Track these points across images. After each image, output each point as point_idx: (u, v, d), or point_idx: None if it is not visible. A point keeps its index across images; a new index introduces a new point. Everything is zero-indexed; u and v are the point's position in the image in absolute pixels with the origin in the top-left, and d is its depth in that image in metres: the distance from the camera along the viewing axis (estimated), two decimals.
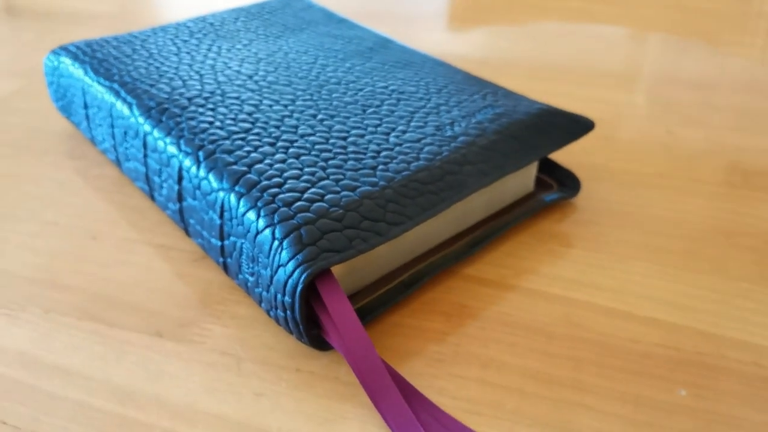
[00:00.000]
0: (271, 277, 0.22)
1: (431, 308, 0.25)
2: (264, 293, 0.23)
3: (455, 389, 0.22)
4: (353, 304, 0.24)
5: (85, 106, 0.32)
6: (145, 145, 0.28)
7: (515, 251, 0.28)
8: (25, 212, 0.30)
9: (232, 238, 0.24)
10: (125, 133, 0.29)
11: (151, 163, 0.28)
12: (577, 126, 0.29)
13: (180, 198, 0.26)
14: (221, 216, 0.24)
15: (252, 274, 0.23)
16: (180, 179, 0.26)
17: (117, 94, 0.29)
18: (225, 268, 0.25)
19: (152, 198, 0.29)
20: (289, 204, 0.23)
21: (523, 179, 0.29)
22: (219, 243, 0.25)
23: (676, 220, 0.29)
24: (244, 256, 0.24)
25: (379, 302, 0.25)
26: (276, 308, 0.22)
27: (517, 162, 0.27)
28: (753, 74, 0.42)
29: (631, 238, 0.28)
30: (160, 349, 0.23)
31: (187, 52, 0.33)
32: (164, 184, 0.27)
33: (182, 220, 0.27)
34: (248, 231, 0.23)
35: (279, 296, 0.22)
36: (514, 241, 0.28)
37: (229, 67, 0.31)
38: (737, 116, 0.37)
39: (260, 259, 0.22)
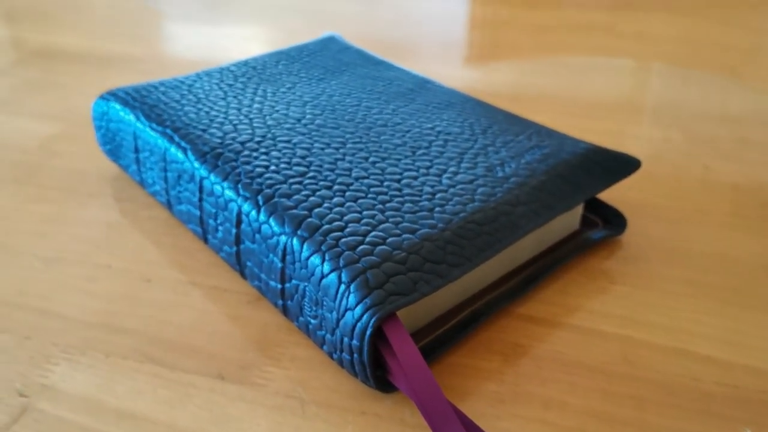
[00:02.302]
0: (338, 321, 0.22)
1: (487, 347, 0.25)
2: (328, 336, 0.23)
3: (519, 430, 0.22)
4: None
5: (136, 150, 0.32)
6: (200, 189, 0.28)
7: (565, 289, 0.28)
8: (77, 255, 0.30)
9: (293, 282, 0.24)
10: (179, 177, 0.29)
11: (206, 206, 0.28)
12: (623, 165, 0.30)
13: (237, 241, 0.27)
14: (283, 260, 0.24)
15: (315, 317, 0.24)
16: (239, 223, 0.26)
17: (171, 139, 0.30)
18: (284, 310, 0.26)
19: (205, 240, 0.29)
20: (353, 247, 0.23)
21: (570, 217, 0.30)
22: (279, 286, 0.25)
23: (721, 256, 0.30)
24: (306, 299, 0.24)
25: (437, 342, 0.25)
26: (341, 351, 0.23)
27: (568, 202, 0.27)
28: None
29: (678, 274, 0.29)
30: (223, 392, 0.23)
31: (234, 96, 0.33)
32: (220, 228, 0.28)
33: (238, 262, 0.27)
34: (312, 275, 0.23)
35: (346, 339, 0.22)
36: (563, 278, 0.29)
37: (277, 111, 0.32)
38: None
39: (325, 303, 0.23)
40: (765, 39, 0.55)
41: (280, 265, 0.25)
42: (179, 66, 0.50)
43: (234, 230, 0.27)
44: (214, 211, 0.28)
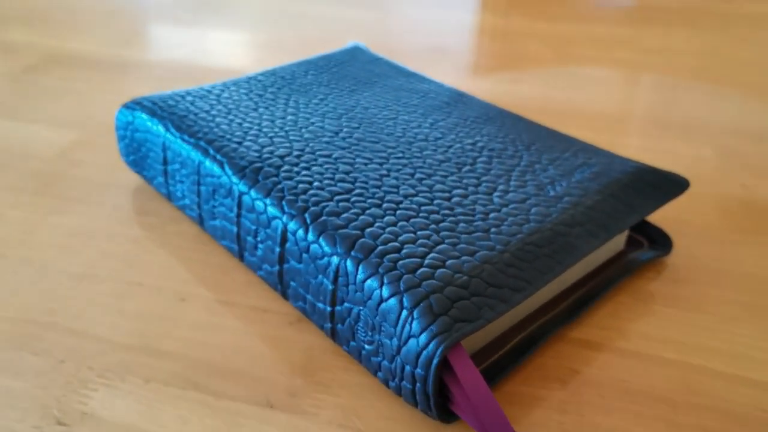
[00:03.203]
0: (399, 348, 0.21)
1: (544, 374, 0.24)
2: (385, 363, 0.22)
3: None
4: None
5: (165, 162, 0.31)
6: (239, 205, 0.27)
7: (616, 312, 0.27)
8: (106, 271, 0.29)
9: (346, 305, 0.23)
10: (214, 191, 0.28)
11: (245, 223, 0.27)
12: (673, 185, 0.29)
13: (281, 260, 0.26)
14: (335, 282, 0.23)
15: (370, 343, 0.23)
16: (283, 242, 0.25)
17: (205, 152, 0.28)
18: (332, 334, 0.24)
19: (241, 258, 0.28)
20: (412, 270, 0.22)
21: (617, 238, 0.29)
22: (328, 309, 0.24)
23: None
24: (360, 324, 0.23)
25: (494, 369, 0.24)
26: (401, 379, 0.21)
27: (622, 223, 0.26)
28: None
29: (730, 297, 0.28)
30: (274, 421, 0.22)
31: (266, 107, 0.32)
32: (260, 245, 0.27)
33: (280, 282, 0.26)
34: (369, 298, 0.22)
35: (408, 368, 0.21)
36: (613, 300, 0.28)
37: (312, 123, 0.31)
38: None
39: (384, 329, 0.22)
40: None
41: (331, 287, 0.23)
42: (195, 72, 0.49)
43: (278, 249, 0.25)
44: (254, 228, 0.27)
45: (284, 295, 0.26)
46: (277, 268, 0.26)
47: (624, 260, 0.29)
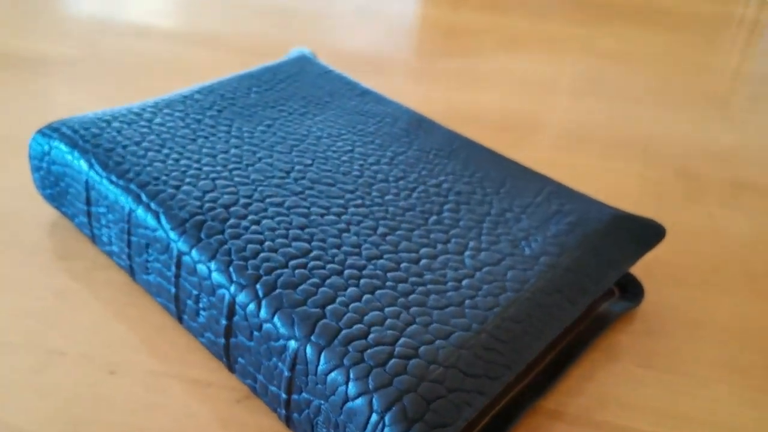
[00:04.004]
0: None
1: None
2: None
3: None
4: None
5: (88, 203, 0.27)
6: (178, 265, 0.24)
7: (590, 374, 0.26)
8: (21, 337, 0.25)
9: (305, 395, 0.20)
10: (147, 245, 0.25)
11: (185, 285, 0.24)
12: (649, 234, 0.27)
13: (228, 334, 0.22)
14: (292, 368, 0.20)
15: None
16: (231, 314, 0.22)
17: (137, 199, 0.25)
18: (287, 421, 0.22)
19: (179, 320, 0.25)
20: (382, 363, 0.19)
21: None
22: (284, 395, 0.21)
23: (745, 329, 0.28)
24: (321, 419, 0.20)
25: None
26: None
27: (603, 283, 0.24)
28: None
29: (707, 354, 0.27)
30: None
31: (205, 137, 0.29)
32: (203, 312, 0.23)
33: (226, 355, 0.23)
34: (333, 394, 0.19)
35: None
36: (586, 359, 0.26)
37: (259, 159, 0.27)
38: None
39: (349, 429, 0.19)
40: (749, 65, 0.54)
41: (287, 373, 0.21)
42: (122, 69, 0.44)
43: (224, 321, 0.22)
44: (195, 293, 0.23)
45: (231, 369, 0.23)
46: (222, 341, 0.23)
47: (596, 314, 0.27)
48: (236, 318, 0.22)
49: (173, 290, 0.24)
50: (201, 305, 0.23)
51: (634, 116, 0.44)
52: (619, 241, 0.26)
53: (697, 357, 0.27)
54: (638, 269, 0.30)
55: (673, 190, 0.36)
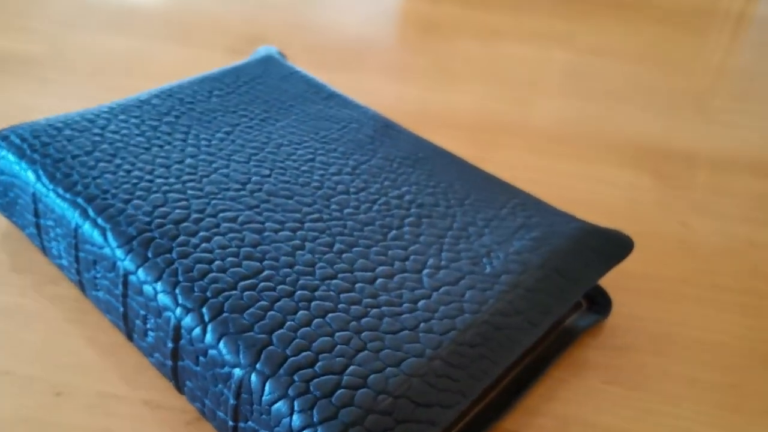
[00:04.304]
0: None
1: None
2: None
3: None
4: None
5: (36, 215, 0.26)
6: (125, 284, 0.23)
7: (553, 393, 0.25)
8: None
9: (251, 424, 0.20)
10: (95, 261, 0.24)
11: (132, 304, 0.23)
12: (616, 248, 0.26)
13: (175, 357, 0.22)
14: (237, 397, 0.20)
15: None
16: (177, 338, 0.21)
17: (84, 214, 0.24)
18: None
19: (129, 338, 0.24)
20: (328, 393, 0.19)
21: None
22: (231, 422, 0.20)
23: (713, 343, 0.27)
24: None
25: None
26: None
27: (565, 302, 0.24)
28: (752, 147, 0.41)
29: (673, 369, 0.26)
30: None
31: (160, 146, 0.27)
32: (151, 333, 0.23)
33: (174, 377, 0.22)
34: (277, 425, 0.19)
35: None
36: (549, 377, 0.26)
37: (215, 170, 0.27)
38: (748, 202, 0.36)
39: None
40: (734, 60, 0.53)
41: (233, 401, 0.20)
42: (88, 69, 0.43)
43: (170, 344, 0.22)
44: (143, 313, 0.22)
45: (180, 391, 0.23)
46: (170, 363, 0.22)
47: (561, 328, 0.27)
48: (182, 342, 0.21)
49: (121, 309, 0.23)
50: (149, 326, 0.22)
51: (614, 116, 0.43)
52: (585, 257, 0.25)
53: (664, 372, 0.26)
54: (607, 280, 0.30)
55: (647, 196, 0.36)
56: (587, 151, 0.39)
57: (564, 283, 0.24)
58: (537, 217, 0.27)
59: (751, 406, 0.25)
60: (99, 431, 0.22)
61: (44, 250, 0.27)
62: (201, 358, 0.21)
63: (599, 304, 0.28)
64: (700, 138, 0.41)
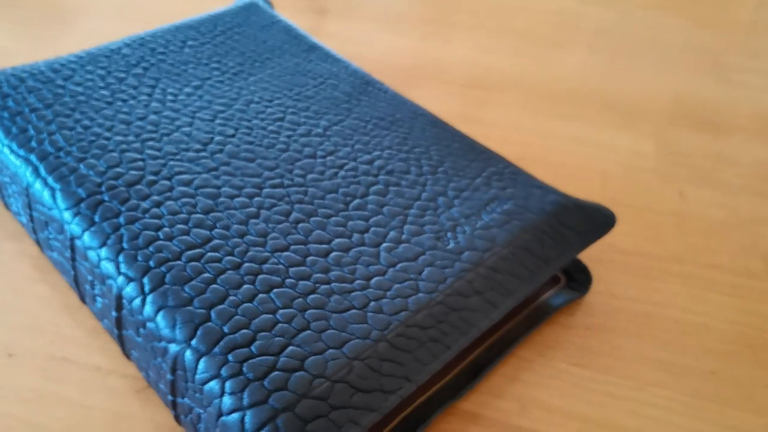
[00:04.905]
0: None
1: None
2: None
3: None
4: None
5: None
6: (72, 249, 0.22)
7: (518, 374, 0.24)
8: None
9: (187, 401, 0.19)
10: (46, 223, 0.23)
11: (81, 269, 0.22)
12: (595, 225, 0.25)
13: (120, 326, 0.21)
14: (173, 372, 0.19)
15: None
16: (119, 308, 0.21)
17: (36, 173, 0.23)
18: (177, 420, 0.21)
19: (82, 301, 0.24)
20: (261, 376, 0.18)
21: None
22: (170, 397, 0.20)
23: (697, 326, 0.26)
24: (202, 426, 0.19)
25: None
26: None
27: (532, 283, 0.22)
28: (764, 111, 0.38)
29: (648, 353, 0.25)
30: None
31: (124, 100, 0.26)
32: (98, 299, 0.22)
33: (122, 345, 0.22)
34: (209, 405, 0.18)
35: None
36: (515, 356, 0.24)
37: (178, 127, 0.25)
38: (753, 172, 0.33)
39: None
40: (764, 13, 0.49)
41: (170, 377, 0.19)
42: (67, 10, 0.41)
43: (114, 313, 0.21)
44: (90, 278, 0.22)
45: (128, 358, 0.22)
46: (116, 331, 0.22)
47: (533, 305, 0.25)
48: (124, 311, 0.20)
49: (72, 273, 0.23)
50: (96, 291, 0.22)
51: (621, 73, 0.40)
52: (559, 234, 0.24)
53: (638, 356, 0.25)
54: (591, 253, 0.28)
55: (646, 162, 0.34)
56: (586, 112, 0.37)
57: (533, 262, 0.23)
58: (512, 188, 0.25)
59: (728, 395, 0.24)
60: (48, 396, 0.22)
61: (7, 206, 0.27)
62: (141, 330, 0.20)
63: (578, 280, 0.26)
64: (710, 99, 0.38)
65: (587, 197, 0.31)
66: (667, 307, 0.27)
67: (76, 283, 0.23)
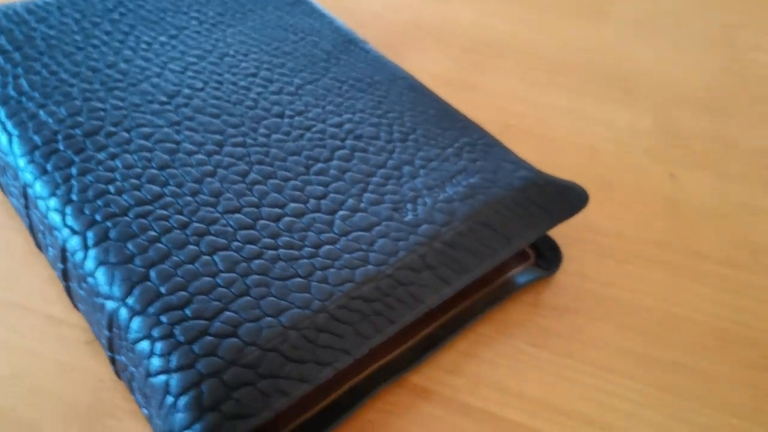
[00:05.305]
0: None
1: None
2: None
3: None
4: None
5: None
6: (26, 197, 0.22)
7: (474, 350, 0.23)
8: None
9: (123, 358, 0.19)
10: (5, 168, 0.23)
11: (33, 218, 0.22)
12: (565, 204, 0.24)
13: (66, 278, 0.21)
14: (110, 329, 0.19)
15: (145, 408, 0.19)
16: (64, 260, 0.20)
17: None
18: (117, 375, 0.21)
19: (40, 249, 0.24)
20: (192, 340, 0.18)
21: None
22: (109, 354, 0.20)
23: (669, 315, 0.25)
24: (135, 383, 0.19)
25: None
26: None
27: (489, 261, 0.22)
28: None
29: (613, 339, 0.24)
30: None
31: (95, 46, 0.26)
32: (50, 249, 0.22)
33: (70, 296, 0.22)
34: (140, 365, 0.18)
35: None
36: (474, 332, 0.24)
37: (146, 78, 0.25)
38: (752, 159, 0.32)
39: (152, 403, 0.18)
40: None
41: (107, 333, 0.19)
42: None
43: (60, 265, 0.21)
44: (42, 228, 0.22)
45: (77, 309, 0.22)
46: (64, 283, 0.21)
47: (497, 281, 0.25)
48: (69, 264, 0.20)
49: (27, 221, 0.23)
50: (48, 241, 0.22)
51: (627, 46, 0.39)
52: (525, 211, 0.23)
53: (601, 341, 0.24)
54: (565, 233, 0.27)
55: (643, 141, 0.32)
56: (586, 85, 0.35)
57: (493, 239, 0.22)
58: (483, 161, 0.24)
59: (691, 387, 0.23)
60: (1, 346, 0.22)
61: None
62: (83, 284, 0.20)
63: (547, 259, 0.26)
64: (718, 77, 0.37)
65: (575, 173, 0.30)
66: (641, 294, 0.26)
67: (32, 231, 0.23)
